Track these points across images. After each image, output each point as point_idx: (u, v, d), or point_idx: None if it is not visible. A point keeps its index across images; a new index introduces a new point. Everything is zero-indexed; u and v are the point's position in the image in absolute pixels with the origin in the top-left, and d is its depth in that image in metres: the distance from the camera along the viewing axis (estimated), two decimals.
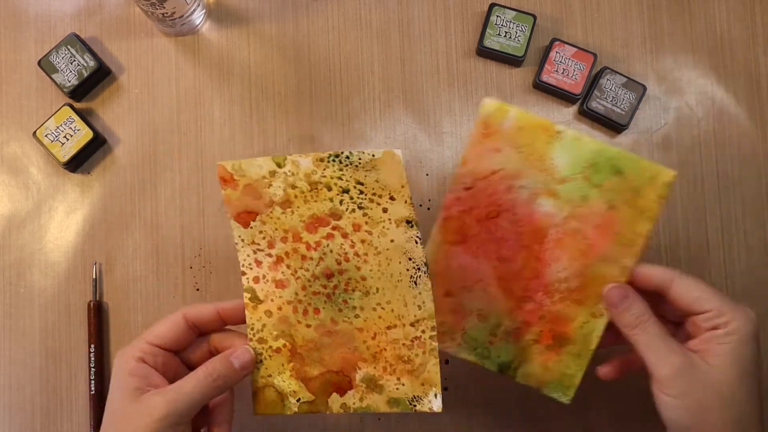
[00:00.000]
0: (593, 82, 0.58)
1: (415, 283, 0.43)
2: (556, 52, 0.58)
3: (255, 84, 0.61)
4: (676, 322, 0.44)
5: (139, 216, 0.60)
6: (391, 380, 0.44)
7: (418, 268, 0.43)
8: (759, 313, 0.57)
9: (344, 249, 0.44)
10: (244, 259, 0.46)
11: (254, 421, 0.58)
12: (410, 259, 0.43)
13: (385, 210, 0.43)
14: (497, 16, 0.58)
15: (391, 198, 0.43)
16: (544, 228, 0.43)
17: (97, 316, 0.58)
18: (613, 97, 0.58)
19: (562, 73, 0.58)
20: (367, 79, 0.60)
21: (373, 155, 0.42)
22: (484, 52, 0.59)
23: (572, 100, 0.59)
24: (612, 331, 0.45)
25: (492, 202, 0.43)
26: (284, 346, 0.45)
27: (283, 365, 0.45)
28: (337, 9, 0.61)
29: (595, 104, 0.58)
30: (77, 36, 0.59)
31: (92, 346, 0.58)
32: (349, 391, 0.45)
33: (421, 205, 0.59)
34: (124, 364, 0.43)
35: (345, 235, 0.44)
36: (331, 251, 0.44)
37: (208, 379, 0.42)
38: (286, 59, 0.61)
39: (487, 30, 0.58)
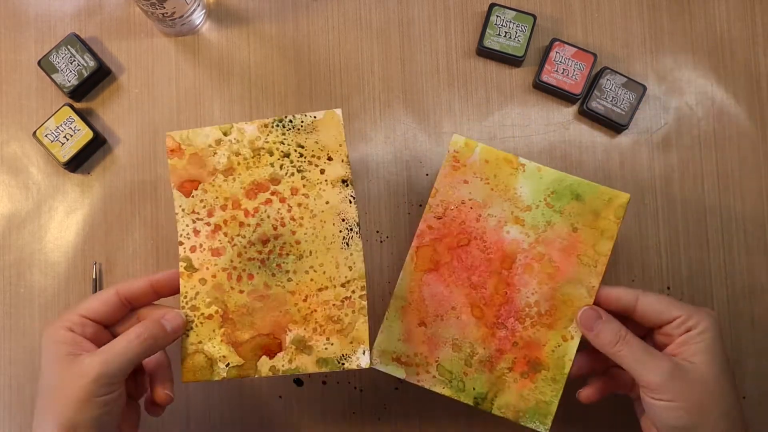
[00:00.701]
0: (593, 82, 0.58)
1: (347, 244, 0.45)
2: (556, 52, 0.58)
3: (255, 84, 0.61)
4: (640, 336, 0.46)
5: (139, 216, 0.60)
6: (321, 340, 0.45)
7: (351, 229, 0.45)
8: (759, 313, 0.58)
9: (281, 214, 0.45)
10: (183, 229, 0.47)
11: (256, 417, 0.58)
12: (343, 219, 0.45)
13: (322, 171, 0.45)
14: (497, 16, 0.58)
15: (329, 158, 0.45)
16: (513, 254, 0.46)
17: None
18: (613, 97, 0.58)
19: (562, 73, 0.58)
20: (367, 79, 0.60)
21: (315, 117, 0.45)
22: (484, 52, 0.59)
23: (572, 100, 0.59)
24: (586, 357, 0.47)
25: (462, 230, 0.46)
26: (216, 312, 0.46)
27: (214, 331, 0.46)
28: (337, 9, 0.61)
29: (595, 104, 0.58)
30: (77, 36, 0.59)
31: None
32: (278, 354, 0.45)
33: (421, 205, 0.59)
34: (52, 335, 0.43)
35: (283, 200, 0.45)
36: (269, 217, 0.46)
37: (139, 338, 0.43)
38: (286, 59, 0.61)
39: (487, 30, 0.58)
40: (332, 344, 0.45)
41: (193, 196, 0.46)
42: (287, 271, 0.45)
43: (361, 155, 0.60)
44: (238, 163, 0.46)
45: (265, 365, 0.45)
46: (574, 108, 0.60)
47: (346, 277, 0.45)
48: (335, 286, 0.45)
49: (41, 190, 0.60)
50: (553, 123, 0.60)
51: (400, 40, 0.61)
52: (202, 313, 0.46)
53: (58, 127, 0.58)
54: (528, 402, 0.46)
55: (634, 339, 0.43)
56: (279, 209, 0.45)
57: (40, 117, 0.60)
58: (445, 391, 0.47)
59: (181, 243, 0.47)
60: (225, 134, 0.46)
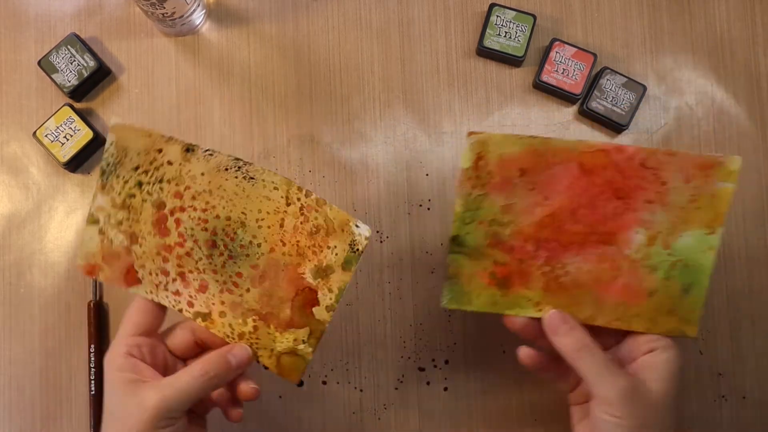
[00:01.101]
0: (593, 82, 0.58)
1: (252, 177, 0.45)
2: (556, 52, 0.58)
3: (255, 84, 0.61)
4: (610, 345, 0.46)
5: None
6: (325, 254, 0.45)
7: (238, 168, 0.45)
8: (759, 314, 0.58)
9: (194, 217, 0.46)
10: (168, 303, 0.46)
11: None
12: (226, 169, 0.45)
13: (170, 163, 0.45)
14: (497, 16, 0.58)
15: (159, 150, 0.45)
16: (615, 241, 0.43)
17: (97, 316, 0.58)
18: (613, 97, 0.58)
19: (562, 73, 0.58)
20: (367, 79, 0.60)
21: (110, 143, 0.46)
22: (484, 52, 0.59)
23: (572, 100, 0.59)
24: (547, 357, 0.46)
25: (632, 190, 0.42)
26: (255, 321, 0.46)
27: (269, 334, 0.46)
28: (337, 9, 0.61)
29: (595, 104, 0.58)
30: (77, 36, 0.59)
31: (92, 346, 0.58)
32: (318, 295, 0.45)
33: (421, 205, 0.59)
34: (112, 362, 0.43)
35: (182, 209, 0.45)
36: (192, 228, 0.46)
37: (204, 377, 0.42)
38: (286, 59, 0.61)
39: (487, 30, 0.58)
40: (335, 246, 0.45)
41: (141, 279, 0.46)
42: (250, 243, 0.45)
43: (361, 155, 0.60)
44: (128, 229, 0.46)
45: (322, 313, 0.45)
46: (574, 108, 0.60)
47: (282, 198, 0.45)
48: (285, 212, 0.45)
49: (41, 190, 0.60)
50: (553, 123, 0.60)
51: (400, 40, 0.61)
52: (249, 332, 0.46)
53: (58, 127, 0.58)
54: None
55: (596, 350, 0.43)
56: (190, 216, 0.45)
57: (40, 117, 0.60)
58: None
59: (181, 311, 0.46)
60: (95, 222, 0.47)
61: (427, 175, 0.60)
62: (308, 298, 0.45)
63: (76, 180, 0.60)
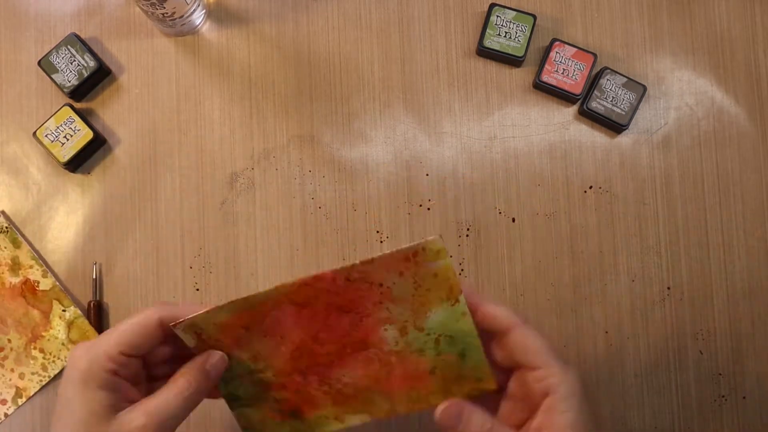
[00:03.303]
0: (593, 82, 0.58)
1: None
2: (556, 52, 0.58)
3: (255, 84, 0.61)
4: (504, 367, 0.42)
5: (139, 216, 0.60)
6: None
7: None
8: (759, 314, 0.58)
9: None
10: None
11: None
12: None
13: None
14: (497, 16, 0.58)
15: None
16: (369, 344, 0.42)
17: (97, 316, 0.58)
18: (613, 97, 0.58)
19: (562, 73, 0.58)
20: (367, 79, 0.60)
21: None
22: (484, 52, 0.59)
23: (572, 100, 0.59)
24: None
25: (354, 302, 0.41)
26: None
27: None
28: (337, 9, 0.61)
29: (595, 104, 0.58)
30: (77, 36, 0.59)
31: None
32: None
33: (421, 205, 0.59)
34: (93, 376, 0.37)
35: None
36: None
37: (189, 390, 0.39)
38: (286, 59, 0.61)
39: (487, 30, 0.58)
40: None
41: None
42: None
43: (361, 155, 0.60)
44: None
45: None
46: (574, 108, 0.60)
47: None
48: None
49: (41, 190, 0.60)
50: (553, 123, 0.60)
51: (400, 39, 0.61)
52: None
53: (58, 127, 0.58)
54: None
55: (501, 427, 0.39)
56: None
57: (40, 117, 0.60)
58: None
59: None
60: None
61: (427, 175, 0.60)
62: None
63: (77, 180, 0.60)
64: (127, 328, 0.39)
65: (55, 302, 0.58)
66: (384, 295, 0.41)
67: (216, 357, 0.41)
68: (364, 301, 0.41)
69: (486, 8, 0.59)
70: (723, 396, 0.58)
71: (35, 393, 0.58)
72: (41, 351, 0.58)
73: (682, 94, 0.60)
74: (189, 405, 0.39)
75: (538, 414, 0.39)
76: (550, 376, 0.39)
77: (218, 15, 0.61)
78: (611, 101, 0.58)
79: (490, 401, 0.42)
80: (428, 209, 0.59)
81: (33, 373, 0.58)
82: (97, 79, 0.60)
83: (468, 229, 0.59)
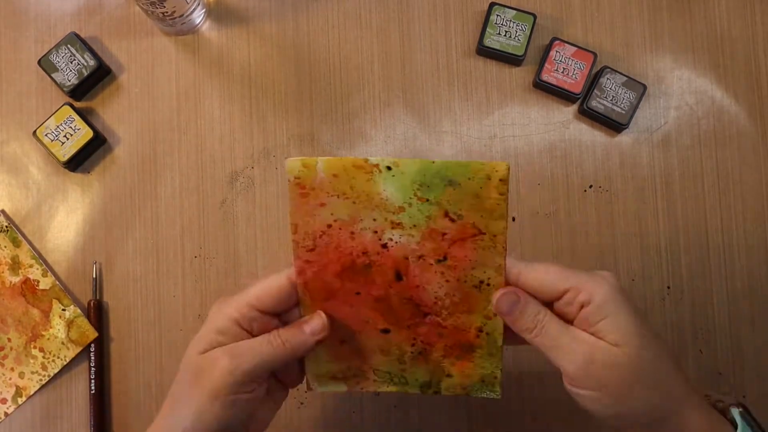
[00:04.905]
0: (593, 81, 0.58)
1: None
2: (556, 52, 0.58)
3: (255, 83, 0.61)
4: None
5: (139, 215, 0.60)
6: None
7: None
8: (759, 314, 0.58)
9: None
10: None
11: None
12: None
13: None
14: (497, 15, 0.58)
15: None
16: (403, 258, 0.41)
17: (97, 315, 0.58)
18: (613, 97, 0.58)
19: (562, 72, 0.58)
20: (367, 78, 0.60)
21: None
22: (484, 52, 0.59)
23: (572, 100, 0.59)
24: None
25: (341, 253, 0.41)
26: None
27: None
28: (337, 9, 0.61)
29: (595, 103, 0.58)
30: (77, 35, 0.59)
31: (92, 345, 0.58)
32: None
33: None
34: (218, 319, 0.40)
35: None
36: None
37: (276, 340, 0.40)
38: (286, 59, 0.61)
39: (487, 29, 0.58)
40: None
41: None
42: None
43: (361, 155, 0.60)
44: None
45: None
46: (574, 107, 0.60)
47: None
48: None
49: (41, 190, 0.60)
50: (553, 122, 0.60)
51: (400, 39, 0.61)
52: None
53: (58, 127, 0.58)
54: (472, 378, 0.44)
55: (551, 324, 0.38)
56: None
57: (40, 116, 0.60)
58: (391, 388, 0.45)
59: None
60: None
61: None
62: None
63: (77, 179, 0.60)
64: (264, 284, 0.41)
65: (55, 301, 0.58)
66: (342, 225, 0.41)
67: (317, 318, 0.41)
68: (342, 246, 0.41)
69: (486, 7, 0.59)
70: (723, 395, 0.58)
71: (35, 392, 0.58)
72: (41, 350, 0.58)
73: (682, 93, 0.60)
74: (277, 358, 0.39)
75: (578, 324, 0.38)
76: (578, 294, 0.38)
77: (218, 14, 0.61)
78: (611, 100, 0.58)
79: None
80: None
81: (33, 372, 0.58)
82: (96, 79, 0.60)
83: None
